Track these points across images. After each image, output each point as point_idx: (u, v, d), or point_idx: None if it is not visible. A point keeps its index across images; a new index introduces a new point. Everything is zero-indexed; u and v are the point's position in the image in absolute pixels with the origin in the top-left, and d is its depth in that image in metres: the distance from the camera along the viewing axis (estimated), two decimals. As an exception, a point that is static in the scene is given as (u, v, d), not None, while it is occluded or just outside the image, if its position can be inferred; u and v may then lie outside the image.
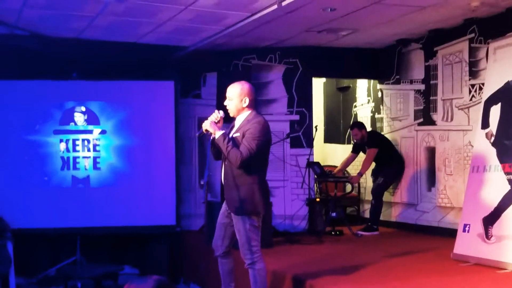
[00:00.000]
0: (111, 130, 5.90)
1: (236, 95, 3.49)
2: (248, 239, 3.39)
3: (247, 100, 3.49)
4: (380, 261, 4.35)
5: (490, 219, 4.17)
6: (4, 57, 5.46)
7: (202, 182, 6.25)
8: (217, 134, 3.43)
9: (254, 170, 3.43)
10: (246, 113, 3.51)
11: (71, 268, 5.56)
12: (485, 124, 4.51)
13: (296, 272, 3.95)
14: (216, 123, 3.48)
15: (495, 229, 4.12)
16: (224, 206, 3.59)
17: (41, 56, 5.59)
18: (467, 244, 4.29)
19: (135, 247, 6.06)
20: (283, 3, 4.45)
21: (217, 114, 3.51)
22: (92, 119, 5.87)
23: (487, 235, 4.17)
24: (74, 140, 5.81)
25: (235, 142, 3.42)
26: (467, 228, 4.34)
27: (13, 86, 5.72)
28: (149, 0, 4.44)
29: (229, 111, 3.55)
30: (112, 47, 5.75)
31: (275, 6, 4.53)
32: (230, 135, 3.50)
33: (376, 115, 6.69)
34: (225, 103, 3.56)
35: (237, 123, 3.55)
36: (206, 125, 3.47)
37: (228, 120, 3.62)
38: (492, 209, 4.18)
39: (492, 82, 4.55)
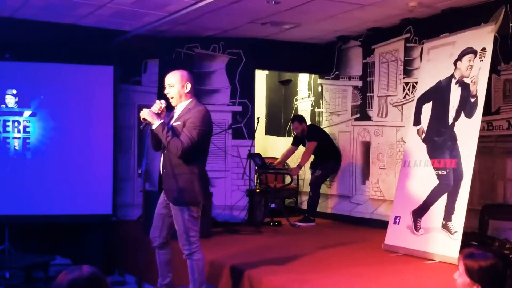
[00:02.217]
0: (44, 114, 5.64)
1: (177, 81, 3.43)
2: (186, 230, 3.36)
3: (189, 86, 3.44)
4: (316, 252, 4.47)
5: (419, 212, 4.39)
6: None
7: (140, 171, 6.12)
8: (155, 123, 3.34)
9: (194, 160, 3.38)
10: (187, 101, 3.46)
11: (-1, 257, 5.29)
12: (417, 121, 4.72)
13: (234, 262, 3.98)
14: (158, 114, 3.39)
15: (423, 222, 4.33)
16: (162, 196, 3.53)
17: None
18: (397, 236, 4.48)
19: (68, 237, 5.84)
20: (228, -7, 4.42)
21: (159, 105, 3.41)
22: (23, 102, 5.59)
23: (416, 227, 4.38)
24: (4, 121, 5.55)
25: (174, 132, 3.35)
26: (397, 220, 4.54)
27: None
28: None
29: (171, 100, 3.47)
30: (49, 28, 5.47)
31: (220, -5, 4.50)
32: (170, 124, 3.44)
33: (316, 109, 6.84)
34: (166, 92, 3.48)
35: (177, 111, 3.48)
36: (144, 114, 3.37)
37: (168, 109, 3.55)
38: (421, 202, 4.39)
39: (425, 81, 4.75)
